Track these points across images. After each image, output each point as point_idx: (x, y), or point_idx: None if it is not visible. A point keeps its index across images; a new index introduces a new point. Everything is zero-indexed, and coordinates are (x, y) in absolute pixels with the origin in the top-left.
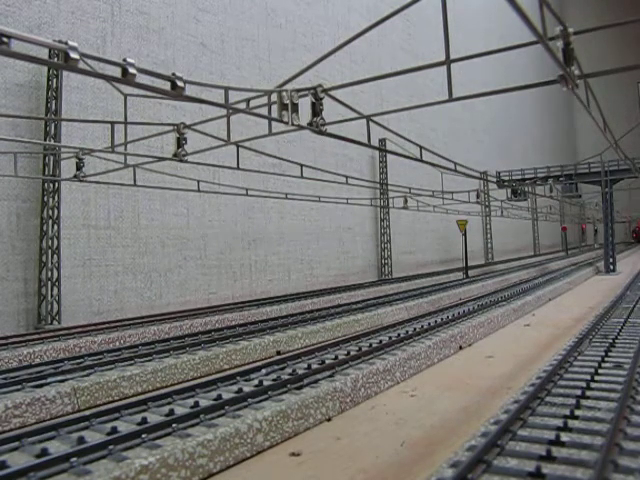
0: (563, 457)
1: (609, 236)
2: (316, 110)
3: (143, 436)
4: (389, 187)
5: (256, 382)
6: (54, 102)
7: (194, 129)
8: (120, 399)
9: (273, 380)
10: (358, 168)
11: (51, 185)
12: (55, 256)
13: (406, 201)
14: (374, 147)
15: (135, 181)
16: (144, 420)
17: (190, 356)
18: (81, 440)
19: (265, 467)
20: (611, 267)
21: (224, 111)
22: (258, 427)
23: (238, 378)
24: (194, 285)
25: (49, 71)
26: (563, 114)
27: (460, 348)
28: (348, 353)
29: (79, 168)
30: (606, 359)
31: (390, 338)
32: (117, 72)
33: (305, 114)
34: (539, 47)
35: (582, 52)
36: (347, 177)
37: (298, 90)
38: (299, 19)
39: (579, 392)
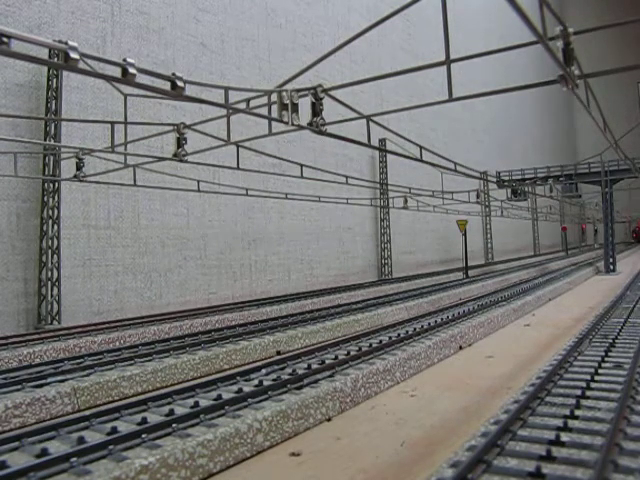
0: (563, 457)
1: (609, 236)
2: (316, 110)
3: (143, 436)
4: (389, 187)
5: (256, 382)
6: (54, 102)
7: (194, 129)
8: (120, 399)
9: (273, 380)
10: (358, 168)
11: (51, 185)
12: (55, 256)
13: (406, 201)
14: (374, 147)
15: (135, 181)
16: (144, 420)
17: (190, 356)
18: (81, 440)
19: (265, 467)
20: (611, 267)
21: (224, 111)
22: (258, 427)
23: (238, 378)
24: (194, 285)
25: (49, 71)
26: (563, 114)
27: (460, 348)
28: (348, 353)
29: (79, 168)
30: (606, 359)
31: (390, 338)
32: (117, 72)
33: (305, 114)
34: (539, 47)
35: (582, 52)
36: (347, 177)
37: (298, 90)
38: (299, 19)
39: (579, 392)
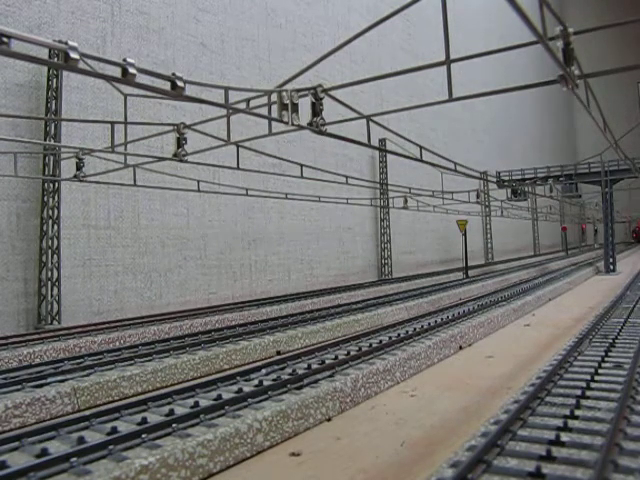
0: (563, 457)
1: (609, 236)
2: (316, 110)
3: (143, 436)
4: (389, 187)
5: (256, 382)
6: (54, 102)
7: (194, 129)
8: (120, 399)
9: (273, 380)
10: (358, 168)
11: (51, 185)
12: (55, 256)
13: (406, 201)
14: (374, 147)
15: (135, 181)
16: (144, 420)
17: (190, 356)
18: (81, 440)
19: (265, 467)
20: (611, 267)
21: (224, 111)
22: (258, 427)
23: (238, 378)
24: (194, 285)
25: (49, 71)
26: (563, 114)
27: (460, 348)
28: (348, 353)
29: (79, 168)
30: (606, 359)
31: (390, 338)
32: (117, 72)
33: (305, 114)
34: (539, 47)
35: (582, 52)
36: (347, 177)
37: (298, 90)
38: (299, 19)
39: (579, 392)
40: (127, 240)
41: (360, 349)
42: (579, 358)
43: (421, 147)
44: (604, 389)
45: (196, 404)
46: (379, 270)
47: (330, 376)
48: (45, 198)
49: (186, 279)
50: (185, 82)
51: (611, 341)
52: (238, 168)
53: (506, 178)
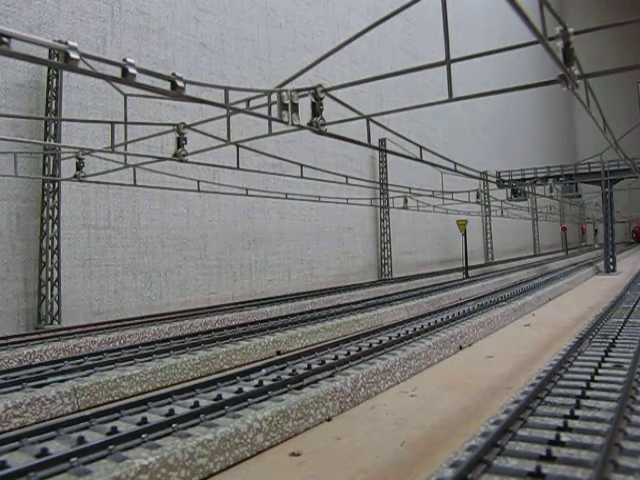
0: (563, 457)
1: (609, 236)
2: (316, 110)
3: (143, 436)
4: (389, 187)
5: (256, 382)
6: (54, 102)
7: (194, 129)
8: (120, 399)
9: (273, 380)
10: (358, 168)
11: (51, 185)
12: (55, 256)
13: (406, 201)
14: (374, 147)
15: (135, 181)
16: (144, 420)
17: (190, 356)
18: (81, 440)
19: (265, 467)
20: (611, 267)
21: (224, 111)
22: (258, 427)
23: (238, 378)
24: (194, 285)
25: (49, 71)
26: (563, 114)
27: (460, 348)
28: (348, 353)
29: (79, 168)
30: (606, 359)
31: (390, 338)
32: (117, 72)
33: (305, 114)
34: (539, 47)
35: (582, 52)
36: (347, 177)
37: (298, 90)
38: (299, 19)
39: (579, 392)
40: (127, 240)
41: (360, 349)
42: (579, 358)
43: (421, 147)
44: (604, 389)
45: (196, 404)
46: (379, 270)
47: (330, 376)
48: (45, 198)
49: (186, 279)
50: (185, 82)
51: (611, 341)
52: (238, 168)
53: (506, 178)
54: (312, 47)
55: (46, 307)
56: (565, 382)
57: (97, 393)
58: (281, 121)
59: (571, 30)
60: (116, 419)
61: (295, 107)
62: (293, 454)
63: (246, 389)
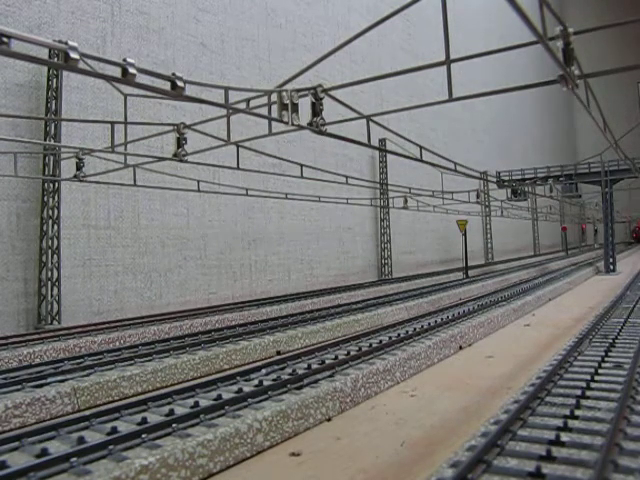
0: (563, 457)
1: (609, 236)
2: (316, 110)
3: (143, 436)
4: (389, 187)
5: (256, 382)
6: (54, 102)
7: (194, 129)
8: (120, 399)
9: (273, 380)
10: (358, 168)
11: (51, 185)
12: (55, 256)
13: (406, 201)
14: (374, 147)
15: (135, 181)
16: (144, 420)
17: (190, 356)
18: (81, 440)
19: (265, 467)
20: (611, 267)
21: (224, 111)
22: (258, 427)
23: (238, 378)
24: (194, 285)
25: (49, 71)
26: (563, 114)
27: (460, 348)
28: (348, 353)
29: (79, 168)
30: (606, 359)
31: (390, 338)
32: (117, 72)
33: (305, 114)
34: (539, 47)
35: (582, 52)
36: (347, 177)
37: (298, 90)
38: (299, 19)
39: (579, 392)
40: (127, 240)
41: (360, 349)
42: (579, 358)
43: (421, 147)
44: (604, 389)
45: (196, 404)
46: (379, 270)
47: (330, 376)
48: (45, 198)
49: (186, 279)
50: (185, 82)
51: (611, 341)
52: (238, 168)
53: (506, 178)
54: (312, 47)
55: (46, 307)
56: (565, 382)
57: (97, 393)
58: (281, 121)
59: (571, 30)
60: (116, 419)
61: (295, 107)
62: (293, 454)
63: (246, 389)
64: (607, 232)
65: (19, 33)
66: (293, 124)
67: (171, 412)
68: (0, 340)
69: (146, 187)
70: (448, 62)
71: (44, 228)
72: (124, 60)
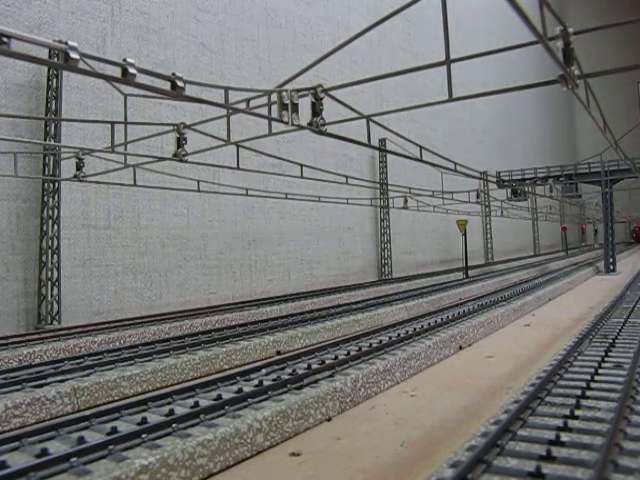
0: (563, 457)
1: (609, 236)
2: (316, 110)
3: (143, 436)
4: (389, 187)
5: (256, 382)
6: (54, 102)
7: (194, 129)
8: (120, 399)
9: (273, 380)
10: (358, 168)
11: (51, 185)
12: (55, 256)
13: (406, 201)
14: (374, 147)
15: (135, 181)
16: (144, 420)
17: (190, 356)
18: (81, 440)
19: (265, 467)
20: (611, 267)
21: (224, 111)
22: (258, 427)
23: (238, 378)
24: (194, 285)
25: (49, 71)
26: (563, 114)
27: (460, 348)
28: (348, 353)
29: (79, 168)
30: (606, 359)
31: (390, 338)
32: (117, 72)
33: (305, 114)
34: (539, 47)
35: (582, 52)
36: (347, 177)
37: (298, 90)
38: (299, 19)
39: (579, 392)
40: (127, 240)
41: (360, 349)
42: (579, 358)
43: (421, 147)
44: (604, 389)
45: (196, 404)
46: (379, 270)
47: (330, 376)
48: (45, 198)
49: (186, 279)
50: (185, 82)
51: (611, 341)
52: (238, 168)
53: (506, 178)
54: (312, 47)
55: (46, 307)
56: (565, 382)
57: (97, 393)
58: (281, 121)
59: (571, 30)
60: (116, 419)
61: (295, 107)
62: (293, 454)
63: (246, 389)
64: (607, 232)
65: (19, 33)
66: (293, 124)
67: (171, 412)
68: (0, 340)
69: (146, 187)
70: (448, 62)
71: (44, 228)
72: (124, 60)
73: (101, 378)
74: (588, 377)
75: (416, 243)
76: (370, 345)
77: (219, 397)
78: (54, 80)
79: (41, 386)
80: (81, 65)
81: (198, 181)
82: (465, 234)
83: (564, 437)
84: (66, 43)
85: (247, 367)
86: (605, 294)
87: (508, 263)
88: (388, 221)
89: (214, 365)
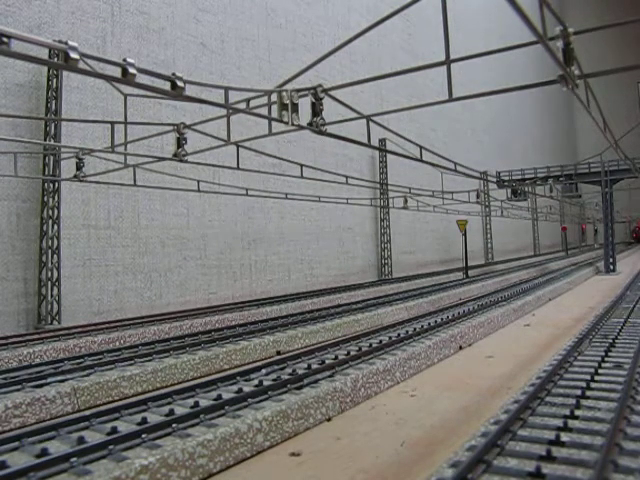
0: (563, 457)
1: (609, 236)
2: (316, 110)
3: (143, 436)
4: (389, 187)
5: (256, 382)
6: (54, 102)
7: (194, 129)
8: (120, 399)
9: (273, 380)
10: (358, 168)
11: (51, 185)
12: (55, 256)
13: (406, 201)
14: (374, 147)
15: (135, 181)
16: (144, 420)
17: (190, 356)
18: (81, 440)
19: (265, 467)
20: (611, 267)
21: (224, 111)
22: (258, 427)
23: (238, 378)
24: (194, 285)
25: (49, 71)
26: (563, 114)
27: (460, 348)
28: (348, 353)
29: (79, 168)
30: (606, 359)
31: (390, 338)
32: (117, 72)
33: (305, 114)
34: (539, 47)
35: (582, 52)
36: (347, 177)
37: (298, 90)
38: (299, 19)
39: (579, 392)
40: (127, 240)
41: (360, 349)
42: (579, 358)
43: (421, 147)
44: (604, 389)
45: (196, 404)
46: (379, 270)
47: (330, 376)
48: (45, 198)
49: (186, 279)
50: (185, 82)
51: (611, 341)
52: (238, 168)
53: (506, 178)
54: (312, 47)
55: (46, 307)
56: (565, 382)
57: (97, 393)
58: (281, 121)
59: (571, 30)
60: (116, 419)
61: (295, 107)
62: (293, 454)
63: (246, 389)
64: (607, 232)
65: (19, 33)
66: (293, 124)
67: (171, 412)
68: (0, 340)
69: (146, 187)
70: (448, 62)
71: (44, 228)
72: (124, 60)
73: (101, 378)
74: (588, 377)
75: (416, 243)
76: (370, 345)
77: (219, 397)
78: (54, 80)
79: (41, 386)
80: (81, 65)
81: (198, 181)
82: (465, 234)
83: (564, 437)
84: (66, 43)
85: (247, 367)
86: (605, 294)
87: (508, 263)
88: (388, 221)
89: (214, 365)
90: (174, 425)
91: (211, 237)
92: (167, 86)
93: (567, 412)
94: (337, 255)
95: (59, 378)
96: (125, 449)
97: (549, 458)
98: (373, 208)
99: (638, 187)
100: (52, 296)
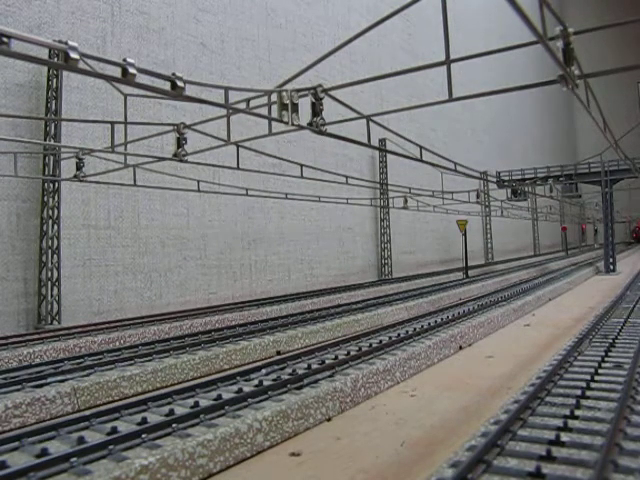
0: (563, 457)
1: (609, 236)
2: (316, 110)
3: (143, 436)
4: (389, 187)
5: (256, 382)
6: (54, 102)
7: (194, 129)
8: (120, 399)
9: (273, 380)
10: (358, 168)
11: (51, 185)
12: (55, 256)
13: (406, 201)
14: (374, 147)
15: (135, 181)
16: (144, 420)
17: (190, 356)
18: (81, 440)
19: (265, 467)
20: (611, 267)
21: (224, 111)
22: (258, 427)
23: (238, 378)
24: (194, 285)
25: (49, 71)
26: (563, 114)
27: (460, 348)
28: (348, 353)
29: (79, 168)
30: (606, 359)
31: (390, 338)
32: (117, 72)
33: (305, 114)
34: (539, 47)
35: (582, 52)
36: (347, 177)
37: (298, 90)
38: (299, 19)
39: (579, 392)
40: (127, 240)
41: (360, 349)
42: (579, 358)
43: (421, 147)
44: (604, 389)
45: (196, 404)
46: (379, 270)
47: (330, 376)
48: (45, 198)
49: (186, 279)
50: (185, 82)
51: (611, 341)
52: (238, 168)
53: (506, 178)
54: (312, 47)
55: (46, 307)
56: (565, 382)
57: (97, 393)
58: (281, 121)
59: (571, 30)
60: (116, 419)
61: (295, 107)
62: (293, 454)
63: (246, 389)
64: (607, 232)
65: (19, 33)
66: (293, 124)
67: (171, 412)
68: (0, 340)
69: (146, 187)
70: (448, 62)
71: (44, 228)
72: (124, 60)
73: (101, 378)
74: (588, 377)
75: (416, 243)
76: (370, 345)
77: (219, 397)
78: (54, 80)
79: (41, 386)
80: (81, 65)
81: (198, 181)
82: (465, 234)
83: (564, 437)
84: (66, 43)
85: (247, 367)
86: (605, 294)
87: (508, 263)
88: (388, 221)
89: (214, 365)
90: (174, 425)
91: (211, 237)
92: (167, 86)
93: (567, 412)
94: (337, 255)
95: (59, 378)
96: (125, 449)
97: (549, 458)
98: (373, 208)
99: (638, 187)
100: (52, 296)
